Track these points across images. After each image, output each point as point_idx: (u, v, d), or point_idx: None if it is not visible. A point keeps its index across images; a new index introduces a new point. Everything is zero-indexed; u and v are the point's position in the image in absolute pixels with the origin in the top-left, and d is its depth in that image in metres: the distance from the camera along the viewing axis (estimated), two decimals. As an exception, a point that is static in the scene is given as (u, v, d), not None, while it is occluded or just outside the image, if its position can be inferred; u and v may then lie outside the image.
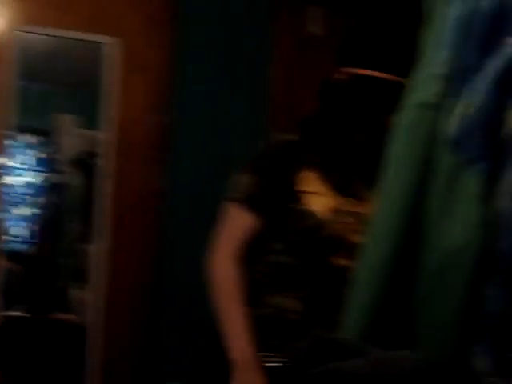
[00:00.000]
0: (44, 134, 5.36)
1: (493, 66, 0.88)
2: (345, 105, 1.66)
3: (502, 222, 0.87)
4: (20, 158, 5.45)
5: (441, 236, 0.90)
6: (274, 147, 1.77)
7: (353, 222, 1.65)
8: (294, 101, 3.23)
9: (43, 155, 5.48)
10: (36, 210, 5.39)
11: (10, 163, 4.15)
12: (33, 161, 5.60)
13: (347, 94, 1.66)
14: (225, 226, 1.72)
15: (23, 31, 3.03)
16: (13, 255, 4.27)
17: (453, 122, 0.91)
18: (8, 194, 4.10)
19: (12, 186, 5.06)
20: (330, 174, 1.69)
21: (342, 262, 1.61)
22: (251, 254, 1.70)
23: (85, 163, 4.66)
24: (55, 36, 3.35)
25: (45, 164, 5.42)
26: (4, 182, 3.14)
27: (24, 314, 4.36)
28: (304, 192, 1.68)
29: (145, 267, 3.04)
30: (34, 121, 5.13)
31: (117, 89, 3.02)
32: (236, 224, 1.70)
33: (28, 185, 5.52)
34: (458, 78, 0.92)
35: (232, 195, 1.72)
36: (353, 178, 1.72)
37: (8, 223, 3.99)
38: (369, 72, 1.62)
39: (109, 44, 3.01)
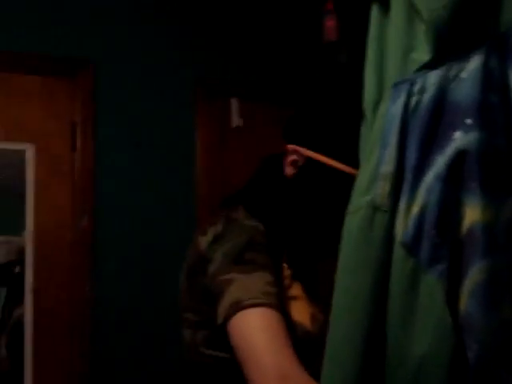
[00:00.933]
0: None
1: (441, 163, 0.85)
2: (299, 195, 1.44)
3: (466, 327, 0.82)
4: None
5: (407, 344, 0.84)
6: (260, 234, 1.38)
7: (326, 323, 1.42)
8: (217, 191, 3.22)
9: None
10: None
11: None
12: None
13: (298, 183, 1.44)
14: (267, 340, 1.22)
15: None
16: None
17: (404, 224, 0.87)
18: None
19: None
20: (300, 273, 1.42)
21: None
22: None
23: (6, 272, 4.45)
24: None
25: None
26: None
27: None
28: (286, 297, 1.35)
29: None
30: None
31: (38, 195, 2.91)
32: (279, 328, 1.23)
33: None
34: (405, 177, 0.89)
35: (257, 301, 1.24)
36: (318, 277, 1.50)
37: None
38: (326, 159, 1.41)
39: (28, 150, 2.93)
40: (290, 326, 1.30)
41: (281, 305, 1.27)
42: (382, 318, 0.87)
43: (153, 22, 3.24)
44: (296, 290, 1.40)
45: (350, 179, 1.35)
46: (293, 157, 1.46)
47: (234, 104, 3.35)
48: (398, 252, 0.86)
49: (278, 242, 1.40)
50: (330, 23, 3.59)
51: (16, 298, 3.44)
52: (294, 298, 1.38)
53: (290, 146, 1.47)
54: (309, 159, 1.43)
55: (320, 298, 1.47)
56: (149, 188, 3.12)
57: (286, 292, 1.36)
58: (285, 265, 1.40)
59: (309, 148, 1.43)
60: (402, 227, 0.87)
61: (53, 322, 2.87)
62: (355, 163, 1.34)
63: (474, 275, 0.82)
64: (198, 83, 3.28)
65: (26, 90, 2.93)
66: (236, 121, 3.34)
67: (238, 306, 1.22)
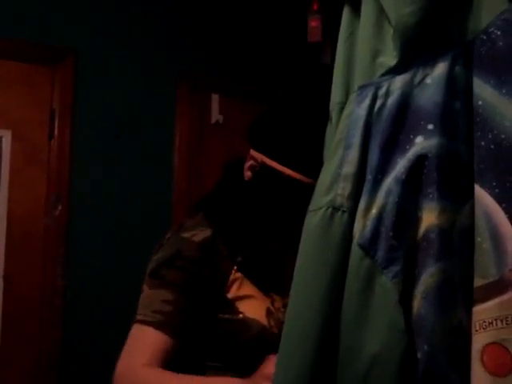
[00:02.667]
0: None
1: (401, 166, 0.86)
2: (252, 199, 1.48)
3: (417, 328, 0.84)
4: None
5: (360, 343, 0.85)
6: (191, 248, 1.43)
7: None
8: (193, 188, 3.23)
9: None
10: None
11: None
12: None
13: (253, 188, 1.48)
14: (133, 344, 1.39)
15: None
16: None
17: (363, 224, 0.88)
18: None
19: None
20: (252, 271, 1.47)
21: None
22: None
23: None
24: None
25: None
26: None
27: None
28: (235, 298, 1.43)
29: (44, 371, 2.87)
30: None
31: (12, 182, 2.90)
32: (147, 343, 1.37)
33: None
34: (365, 178, 0.90)
35: (145, 318, 1.39)
36: (273, 270, 1.54)
37: None
38: (278, 166, 1.44)
39: (5, 137, 2.91)
40: (242, 325, 1.42)
41: (218, 311, 1.42)
42: (336, 316, 0.88)
43: (137, 15, 3.23)
44: (246, 289, 1.45)
45: (303, 187, 1.39)
46: (251, 162, 1.49)
47: (215, 100, 3.35)
48: (355, 252, 0.87)
49: (232, 245, 1.47)
50: (315, 24, 3.60)
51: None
52: (246, 297, 1.44)
53: (251, 152, 1.50)
54: (263, 165, 1.46)
55: (287, 290, 1.49)
56: (126, 180, 3.11)
57: (234, 293, 1.44)
58: (235, 267, 1.45)
59: (265, 154, 1.46)
60: (360, 228, 0.88)
61: (23, 308, 2.85)
62: (309, 172, 1.38)
63: (427, 278, 0.84)
64: (180, 77, 3.28)
65: (6, 76, 2.91)
66: (216, 116, 3.34)
67: (135, 318, 1.42)
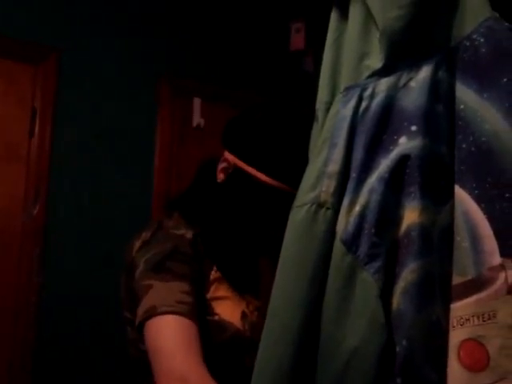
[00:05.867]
0: None
1: (385, 165, 0.89)
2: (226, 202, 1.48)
3: (396, 323, 0.86)
4: None
5: (340, 337, 0.87)
6: (185, 244, 1.42)
7: (259, 320, 1.43)
8: (173, 191, 3.24)
9: None
10: None
11: None
12: None
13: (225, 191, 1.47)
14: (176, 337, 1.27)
15: None
16: None
17: (346, 221, 0.90)
18: None
19: None
20: (229, 271, 1.46)
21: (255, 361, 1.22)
22: None
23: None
24: None
25: None
26: None
27: None
28: (212, 298, 1.42)
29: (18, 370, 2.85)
30: None
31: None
32: (189, 335, 1.27)
33: None
34: (349, 177, 0.92)
35: (173, 309, 1.29)
36: (248, 272, 1.53)
37: None
38: (250, 169, 1.44)
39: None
40: (218, 326, 1.38)
41: (200, 311, 1.33)
42: (318, 310, 0.90)
43: (123, 15, 3.24)
44: (223, 290, 1.44)
45: (275, 192, 1.39)
46: (224, 164, 1.49)
47: (197, 103, 3.37)
48: (338, 248, 0.89)
49: (209, 246, 1.45)
50: (297, 32, 3.64)
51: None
52: (222, 298, 1.43)
53: (224, 154, 1.49)
54: (236, 168, 1.45)
55: (261, 293, 1.50)
56: (105, 180, 3.11)
57: (212, 293, 1.42)
58: (214, 268, 1.45)
59: (238, 157, 1.45)
60: (343, 224, 0.90)
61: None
62: (283, 177, 1.38)
63: (407, 274, 0.86)
64: (163, 80, 3.29)
65: (-12, 73, 2.91)
66: (197, 120, 3.35)
67: (153, 312, 1.28)
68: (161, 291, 1.33)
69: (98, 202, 3.08)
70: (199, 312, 1.36)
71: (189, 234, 1.45)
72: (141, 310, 1.32)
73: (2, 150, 2.91)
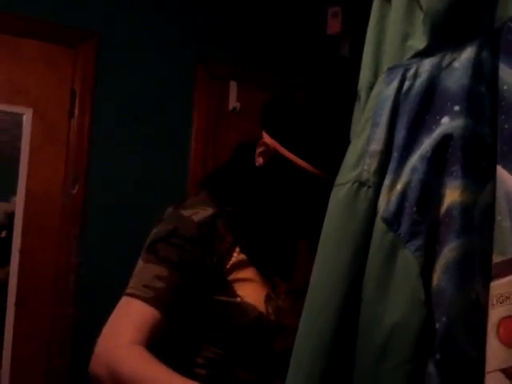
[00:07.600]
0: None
1: (427, 145, 0.90)
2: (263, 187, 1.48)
3: (436, 300, 0.87)
4: None
5: (380, 313, 0.89)
6: (189, 227, 1.43)
7: (286, 304, 1.44)
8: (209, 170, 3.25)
9: None
10: None
11: None
12: None
13: (264, 176, 1.49)
14: (118, 319, 1.37)
15: None
16: None
17: (387, 199, 0.92)
18: None
19: None
20: (255, 254, 1.46)
21: (284, 345, 1.32)
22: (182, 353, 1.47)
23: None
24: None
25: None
26: None
27: None
28: (235, 280, 1.43)
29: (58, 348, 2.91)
30: None
31: (32, 160, 2.94)
32: (134, 318, 1.34)
33: None
34: (392, 156, 0.93)
35: (135, 291, 1.38)
36: (280, 255, 1.51)
37: None
38: (293, 157, 1.43)
39: (26, 115, 2.95)
40: (238, 309, 1.40)
41: (169, 297, 1.36)
42: (358, 287, 0.92)
43: (161, 1, 3.26)
44: (247, 272, 1.44)
45: (316, 180, 1.39)
46: (262, 147, 1.49)
47: (233, 87, 3.38)
48: (379, 226, 0.91)
49: (239, 227, 1.46)
50: (334, 16, 3.63)
51: (0, 260, 3.47)
52: (245, 280, 1.43)
53: (263, 138, 1.49)
54: (277, 153, 1.45)
55: (296, 275, 1.51)
56: (142, 162, 3.15)
57: (235, 275, 1.43)
58: (237, 249, 1.45)
59: (280, 142, 1.45)
60: (385, 203, 0.91)
61: (37, 284, 2.90)
62: (323, 165, 1.39)
63: (447, 252, 0.87)
64: (199, 64, 3.32)
65: (30, 55, 2.95)
66: (233, 104, 3.37)
67: (125, 290, 1.41)
68: (139, 272, 1.41)
69: (136, 184, 3.12)
70: (207, 293, 1.40)
71: (200, 216, 1.44)
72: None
73: (43, 131, 2.97)
